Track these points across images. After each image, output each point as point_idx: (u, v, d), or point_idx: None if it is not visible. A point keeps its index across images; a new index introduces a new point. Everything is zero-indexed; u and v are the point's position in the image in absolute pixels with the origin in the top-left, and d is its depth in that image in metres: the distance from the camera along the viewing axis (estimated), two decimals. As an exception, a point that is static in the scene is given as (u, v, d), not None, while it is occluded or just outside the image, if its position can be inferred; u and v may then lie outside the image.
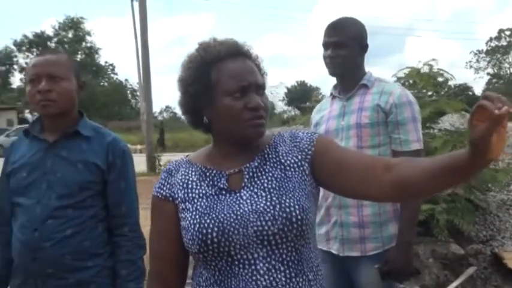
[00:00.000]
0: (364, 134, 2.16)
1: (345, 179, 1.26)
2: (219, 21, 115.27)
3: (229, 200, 1.25)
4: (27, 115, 31.37)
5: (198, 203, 1.27)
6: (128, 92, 44.39)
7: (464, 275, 3.80)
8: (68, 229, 1.76)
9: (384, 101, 2.16)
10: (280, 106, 53.00)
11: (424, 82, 5.13)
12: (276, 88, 44.99)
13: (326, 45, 2.22)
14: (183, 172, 1.34)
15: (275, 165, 1.30)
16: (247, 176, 1.28)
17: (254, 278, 1.20)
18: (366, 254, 2.16)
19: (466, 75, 57.99)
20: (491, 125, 0.95)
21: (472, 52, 60.30)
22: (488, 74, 57.35)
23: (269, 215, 1.20)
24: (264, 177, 1.28)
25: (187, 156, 1.42)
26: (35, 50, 42.77)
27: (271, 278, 1.20)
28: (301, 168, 1.29)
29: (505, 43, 56.16)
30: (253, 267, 1.20)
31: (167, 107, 56.33)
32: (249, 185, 1.27)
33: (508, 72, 56.93)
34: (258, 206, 1.22)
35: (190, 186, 1.31)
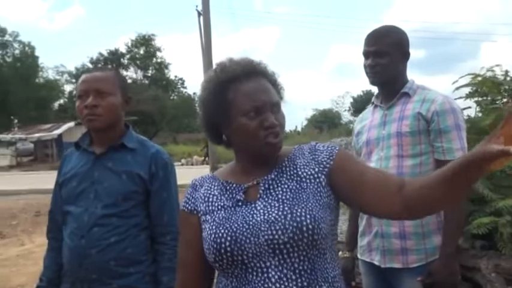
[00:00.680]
0: (405, 142, 2.12)
1: (360, 196, 1.29)
2: (285, 34, 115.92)
3: (244, 211, 1.30)
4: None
5: (217, 215, 1.33)
6: (197, 105, 45.27)
7: (531, 291, 3.59)
8: (112, 237, 1.86)
9: (426, 109, 2.11)
10: (346, 116, 52.31)
11: (487, 88, 4.92)
12: (341, 98, 44.54)
13: (366, 54, 2.21)
14: (206, 187, 1.41)
15: (291, 177, 1.34)
16: (262, 188, 1.33)
17: (266, 285, 1.23)
18: (408, 266, 2.11)
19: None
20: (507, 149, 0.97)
21: (552, 55, 56.86)
22: None
23: (280, 224, 1.23)
24: (279, 188, 1.32)
25: (213, 172, 1.49)
26: (109, 66, 44.88)
27: (283, 286, 1.22)
28: (317, 180, 1.32)
29: None
30: (265, 275, 1.24)
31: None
32: (264, 196, 1.31)
33: None
34: (270, 216, 1.26)
35: (211, 199, 1.37)
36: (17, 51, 45.05)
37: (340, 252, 2.34)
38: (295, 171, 1.34)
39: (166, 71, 48.59)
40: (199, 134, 37.00)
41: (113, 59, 45.45)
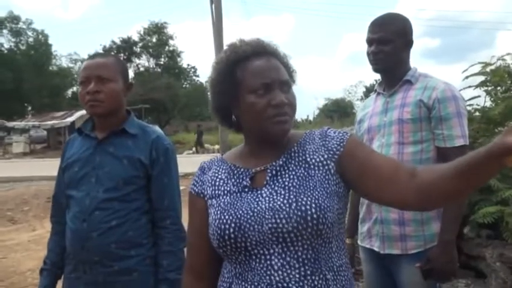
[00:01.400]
0: (406, 129, 2.13)
1: (369, 183, 1.26)
2: (299, 22, 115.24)
3: (249, 198, 1.29)
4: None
5: (222, 200, 1.32)
6: (208, 93, 45.15)
7: (535, 280, 3.58)
8: (113, 220, 1.89)
9: (427, 96, 2.11)
10: (358, 105, 51.96)
11: (498, 77, 4.86)
12: (354, 87, 44.29)
13: (370, 42, 2.21)
14: (214, 170, 1.40)
15: (300, 163, 1.31)
16: (269, 174, 1.31)
17: (268, 272, 1.22)
18: (406, 253, 2.12)
19: None
20: None
21: None
22: None
23: (284, 212, 1.21)
24: (287, 175, 1.29)
25: (222, 150, 1.49)
26: (122, 55, 45.00)
27: (285, 274, 1.21)
28: (326, 167, 1.29)
29: None
30: (268, 262, 1.23)
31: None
32: (271, 183, 1.29)
33: None
34: (275, 204, 1.24)
35: (218, 183, 1.36)
36: (30, 39, 45.46)
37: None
38: (304, 157, 1.32)
39: (178, 59, 48.76)
40: (211, 123, 37.11)
41: (126, 47, 45.59)
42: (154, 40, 46.78)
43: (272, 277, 1.22)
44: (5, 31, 44.58)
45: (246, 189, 1.31)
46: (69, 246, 1.96)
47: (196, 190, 1.40)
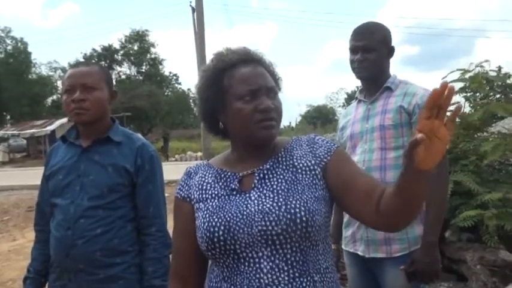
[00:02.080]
0: (388, 135, 2.17)
1: (347, 199, 1.29)
2: (282, 30, 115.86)
3: (238, 201, 1.30)
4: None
5: (210, 203, 1.33)
6: (191, 101, 45.52)
7: (515, 282, 3.65)
8: (98, 228, 1.88)
9: (407, 102, 2.16)
10: (340, 112, 52.33)
11: (476, 84, 4.96)
12: (336, 94, 44.64)
13: (354, 50, 2.24)
14: (200, 174, 1.41)
15: (287, 168, 1.33)
16: (257, 178, 1.32)
17: (258, 276, 1.23)
18: (391, 256, 2.15)
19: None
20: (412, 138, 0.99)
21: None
22: None
23: (273, 215, 1.23)
24: (275, 179, 1.31)
25: (208, 159, 1.50)
26: (103, 63, 44.69)
27: (274, 277, 1.22)
28: (313, 172, 1.31)
29: None
30: (257, 265, 1.24)
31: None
32: (259, 186, 1.31)
33: None
34: (264, 207, 1.25)
35: (205, 187, 1.37)
36: (9, 47, 44.79)
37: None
38: (291, 162, 1.34)
39: (160, 66, 48.40)
40: (193, 130, 37.03)
41: (107, 54, 45.20)
42: (135, 48, 46.46)
43: (261, 280, 1.23)
44: (-17, 39, 44.02)
45: (234, 192, 1.32)
46: (54, 254, 1.95)
47: (183, 194, 1.41)
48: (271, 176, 1.32)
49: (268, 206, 1.25)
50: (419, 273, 2.07)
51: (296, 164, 1.33)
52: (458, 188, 4.02)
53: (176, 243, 1.44)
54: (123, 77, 46.70)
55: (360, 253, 2.25)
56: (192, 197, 1.38)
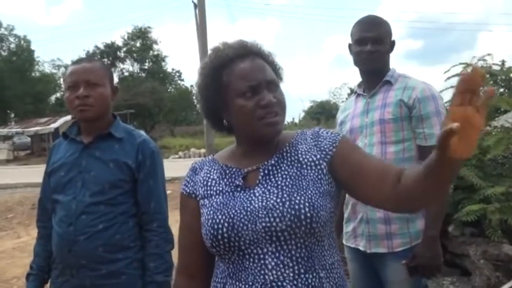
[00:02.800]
0: (388, 129, 2.16)
1: (358, 185, 1.27)
2: (284, 25, 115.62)
3: (242, 197, 1.29)
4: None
5: (214, 200, 1.32)
6: (194, 97, 45.36)
7: (518, 276, 3.64)
8: (100, 224, 1.89)
9: (407, 96, 2.15)
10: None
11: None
12: (339, 89, 44.57)
13: (363, 41, 2.20)
14: (206, 170, 1.41)
15: (292, 163, 1.32)
16: (262, 174, 1.31)
17: (262, 272, 1.22)
18: (392, 251, 2.15)
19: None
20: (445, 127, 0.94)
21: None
22: None
23: (278, 211, 1.22)
24: (279, 175, 1.30)
25: (213, 155, 1.49)
26: (106, 60, 44.74)
27: (279, 273, 1.22)
28: (319, 167, 1.30)
29: None
30: (262, 261, 1.23)
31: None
32: (263, 182, 1.30)
33: None
34: (268, 203, 1.24)
35: (210, 183, 1.37)
36: (12, 45, 44.90)
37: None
38: (296, 157, 1.33)
39: (163, 63, 48.45)
40: (196, 127, 37.03)
41: (109, 52, 45.24)
42: (138, 45, 46.46)
43: (266, 276, 1.22)
44: (-14, 37, 44.10)
45: (239, 189, 1.31)
46: (56, 250, 1.96)
47: (188, 190, 1.40)
48: (275, 171, 1.31)
49: (272, 202, 1.24)
50: (421, 268, 2.07)
51: (301, 159, 1.32)
52: (461, 183, 4.01)
53: (182, 240, 1.43)
54: (126, 74, 46.76)
55: (361, 248, 2.25)
56: (197, 193, 1.38)
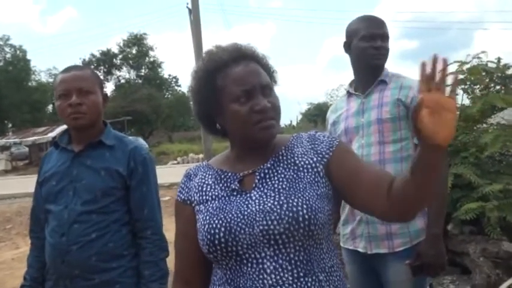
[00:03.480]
0: (386, 129, 2.15)
1: (353, 193, 1.26)
2: (280, 29, 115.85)
3: (238, 201, 1.27)
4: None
5: (210, 205, 1.30)
6: (191, 103, 44.80)
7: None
8: (92, 233, 1.87)
9: (405, 95, 2.15)
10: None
11: (474, 76, 4.93)
12: (335, 91, 44.61)
13: (373, 37, 2.18)
14: (200, 176, 1.39)
15: (288, 166, 1.30)
16: (258, 177, 1.30)
17: (261, 276, 1.20)
18: (393, 251, 2.13)
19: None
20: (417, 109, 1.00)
21: (545, 41, 57.08)
22: None
23: (275, 214, 1.20)
24: (276, 178, 1.28)
25: (206, 160, 1.47)
26: (102, 67, 44.70)
27: (278, 277, 1.19)
28: (315, 170, 1.29)
29: None
30: (260, 266, 1.21)
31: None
32: (260, 185, 1.28)
33: None
34: (265, 206, 1.23)
35: (205, 189, 1.35)
36: (8, 55, 44.90)
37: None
38: (292, 160, 1.31)
39: (159, 69, 48.52)
40: (194, 132, 37.00)
41: (105, 59, 45.31)
42: (134, 52, 46.53)
43: (265, 281, 1.20)
44: (-19, 48, 44.09)
45: (235, 193, 1.30)
46: (49, 261, 1.93)
47: (183, 197, 1.38)
48: (272, 175, 1.29)
49: (269, 205, 1.22)
50: (426, 267, 2.05)
51: (297, 162, 1.31)
52: (458, 181, 4.01)
53: (179, 247, 1.41)
54: (123, 81, 46.82)
55: (360, 250, 2.22)
56: (193, 199, 1.36)
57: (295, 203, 1.21)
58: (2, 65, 44.02)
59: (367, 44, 2.19)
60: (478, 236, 3.99)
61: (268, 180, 1.29)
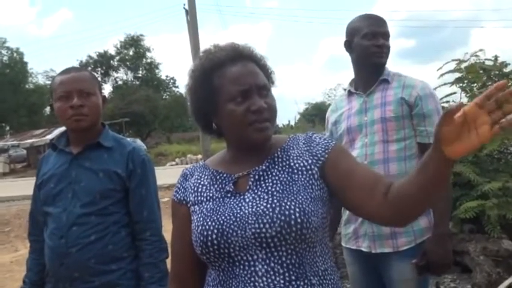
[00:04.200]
0: (390, 127, 2.15)
1: (349, 195, 1.24)
2: (277, 29, 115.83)
3: (232, 203, 1.27)
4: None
5: (205, 206, 1.30)
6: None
7: (519, 272, 3.62)
8: (91, 235, 1.85)
9: (408, 94, 2.15)
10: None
11: (472, 74, 4.93)
12: (333, 90, 44.65)
13: (375, 35, 2.18)
14: (196, 176, 1.38)
15: (283, 168, 1.29)
16: (252, 179, 1.29)
17: (253, 279, 1.20)
18: (398, 250, 2.12)
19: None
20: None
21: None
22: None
23: (267, 217, 1.19)
24: (270, 180, 1.28)
25: (204, 160, 1.46)
26: (99, 69, 44.64)
27: (269, 280, 1.19)
28: (310, 172, 1.27)
29: None
30: (252, 268, 1.20)
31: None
32: (254, 187, 1.27)
33: None
34: (258, 209, 1.22)
35: (200, 189, 1.34)
36: (5, 58, 44.78)
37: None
38: (287, 162, 1.30)
39: (157, 71, 48.44)
40: (193, 133, 36.96)
41: (103, 61, 45.24)
42: (131, 53, 46.44)
43: (256, 283, 1.19)
44: (-22, 51, 43.98)
45: (229, 195, 1.29)
46: (48, 263, 1.92)
47: (179, 197, 1.38)
48: (266, 177, 1.29)
49: (262, 207, 1.21)
50: (433, 265, 2.04)
51: (292, 164, 1.30)
52: (458, 179, 4.00)
53: (175, 247, 1.41)
54: (120, 82, 46.75)
55: (364, 249, 2.20)
56: (188, 199, 1.35)
57: (287, 206, 1.20)
58: (-1, 67, 43.92)
59: (369, 42, 2.18)
60: (478, 235, 3.98)
61: (262, 182, 1.28)
